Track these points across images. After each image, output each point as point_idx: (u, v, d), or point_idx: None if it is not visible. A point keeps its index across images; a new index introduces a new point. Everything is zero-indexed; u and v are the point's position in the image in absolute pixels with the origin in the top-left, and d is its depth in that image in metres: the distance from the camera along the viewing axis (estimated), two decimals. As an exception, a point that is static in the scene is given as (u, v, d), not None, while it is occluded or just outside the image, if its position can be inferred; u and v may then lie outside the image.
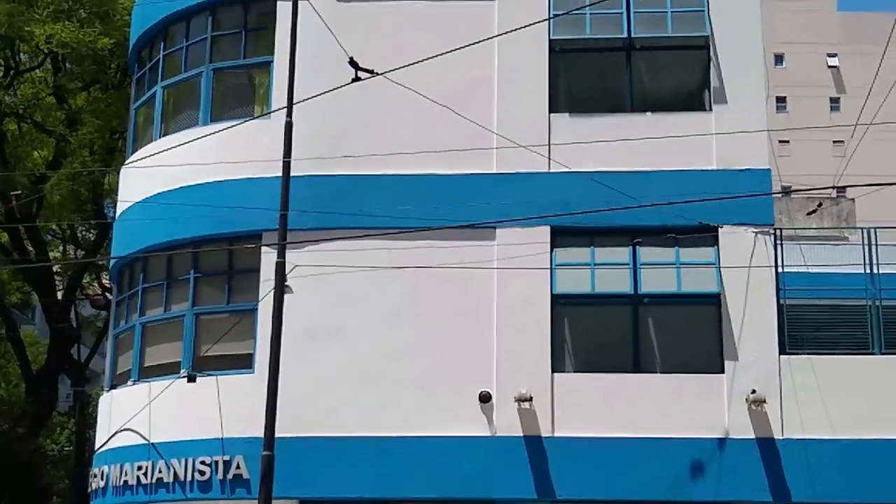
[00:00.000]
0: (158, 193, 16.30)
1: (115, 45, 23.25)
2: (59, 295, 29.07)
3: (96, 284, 32.22)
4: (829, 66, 62.96)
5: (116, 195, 18.78)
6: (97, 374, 39.23)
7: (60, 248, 32.20)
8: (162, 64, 17.49)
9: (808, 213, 23.21)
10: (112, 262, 18.26)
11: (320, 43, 15.38)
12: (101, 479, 16.47)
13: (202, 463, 15.04)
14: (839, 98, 62.02)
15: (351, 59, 13.38)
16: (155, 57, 17.75)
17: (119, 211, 17.80)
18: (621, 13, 15.47)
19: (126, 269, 17.49)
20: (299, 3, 14.25)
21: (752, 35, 15.48)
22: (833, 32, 62.92)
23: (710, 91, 15.42)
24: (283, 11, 15.75)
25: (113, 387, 17.34)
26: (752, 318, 14.54)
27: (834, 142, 55.95)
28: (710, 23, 15.42)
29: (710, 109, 15.30)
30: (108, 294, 28.23)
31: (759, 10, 15.58)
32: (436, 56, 13.26)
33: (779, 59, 62.30)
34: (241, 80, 16.97)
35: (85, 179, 25.21)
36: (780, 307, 14.70)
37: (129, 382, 16.60)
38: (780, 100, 60.92)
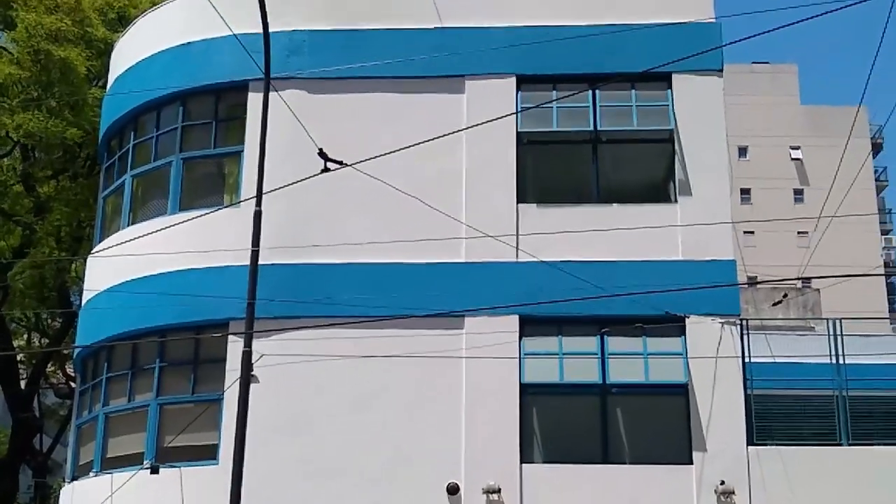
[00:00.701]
0: (125, 282, 16.25)
1: (85, 134, 23.33)
2: (23, 384, 28.64)
3: (60, 373, 31.81)
4: (793, 159, 64.04)
5: (82, 283, 18.67)
6: (59, 464, 38.46)
7: (25, 336, 31.83)
8: (132, 153, 17.58)
9: (774, 304, 23.39)
10: (76, 351, 18.07)
11: (290, 132, 15.57)
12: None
13: (165, 557, 14.69)
14: (803, 190, 62.98)
15: (320, 150, 13.55)
16: (125, 146, 17.84)
17: (85, 299, 17.71)
18: (587, 107, 15.74)
19: (90, 358, 17.32)
20: (270, 93, 14.32)
21: (716, 128, 15.74)
22: (796, 125, 64.16)
23: (675, 183, 15.62)
24: (255, 102, 15.95)
25: (75, 478, 17.06)
26: (720, 409, 14.55)
27: (798, 233, 56.68)
28: (675, 117, 15.70)
29: (676, 201, 15.49)
30: (71, 383, 27.88)
31: (722, 104, 15.85)
32: (405, 148, 13.45)
33: (743, 151, 63.34)
34: (211, 168, 17.06)
35: (51, 267, 25.03)
36: (747, 397, 14.71)
37: (92, 473, 16.35)
38: (745, 191, 61.77)
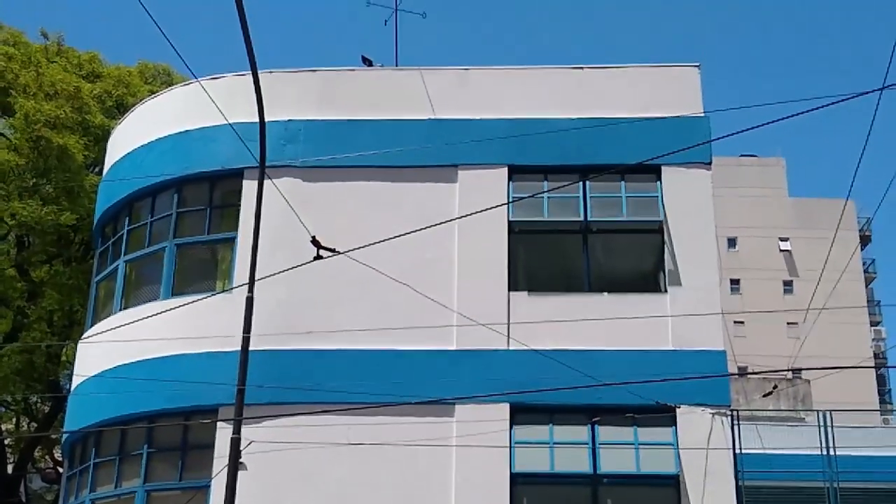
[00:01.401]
0: (115, 367, 16.16)
1: (79, 219, 23.38)
2: (10, 468, 28.27)
3: (48, 458, 31.43)
4: (782, 250, 64.38)
5: (73, 368, 18.54)
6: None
7: (13, 420, 31.53)
8: (126, 238, 17.63)
9: (765, 395, 23.28)
10: (65, 436, 17.88)
11: (284, 220, 15.71)
12: None
13: None
14: (792, 281, 63.18)
15: (313, 238, 13.61)
16: (119, 231, 17.91)
17: (75, 384, 17.53)
18: (578, 197, 15.90)
19: (79, 443, 17.14)
20: (265, 181, 14.42)
21: (705, 220, 15.85)
22: (785, 217, 64.64)
23: (664, 273, 15.68)
24: (249, 189, 16.12)
25: (59, 566, 16.72)
26: (711, 501, 14.37)
27: (788, 323, 56.72)
28: (664, 208, 15.83)
29: (666, 291, 15.52)
30: (59, 468, 27.52)
31: (710, 196, 15.99)
32: (398, 236, 13.56)
33: (732, 242, 63.70)
34: (204, 254, 17.09)
35: (41, 352, 24.88)
36: (738, 489, 14.57)
37: (76, 562, 16.03)
38: (735, 282, 61.95)
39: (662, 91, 16.53)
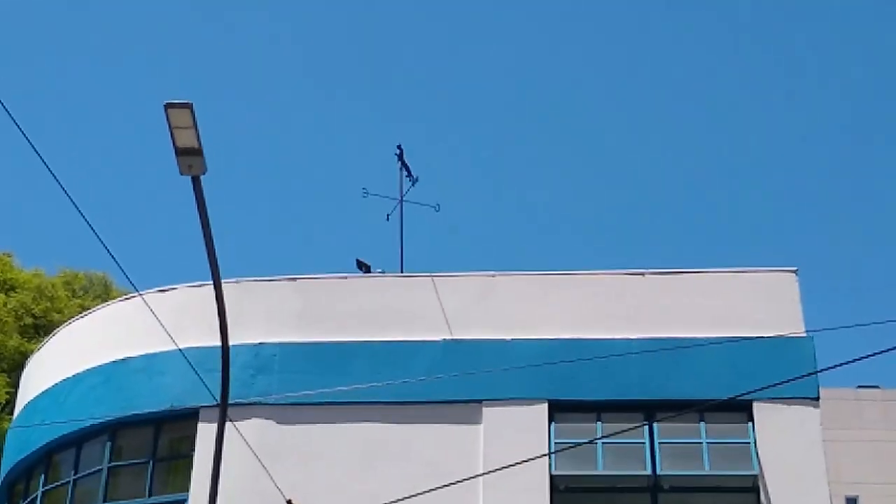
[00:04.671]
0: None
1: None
2: None
3: None
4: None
5: None
6: None
7: None
8: (40, 502, 17.59)
9: None
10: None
11: (251, 475, 15.74)
12: None
13: None
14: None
15: (289, 501, 13.42)
16: (32, 493, 17.88)
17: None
18: (643, 444, 15.90)
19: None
20: (227, 424, 14.23)
21: (815, 472, 15.72)
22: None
23: (763, 544, 15.50)
24: (206, 435, 16.07)
25: None
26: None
27: None
28: (758, 458, 15.69)
29: (764, 568, 15.34)
30: None
31: (820, 441, 15.92)
32: (404, 499, 13.62)
33: (852, 502, 62.62)
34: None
35: None
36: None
37: None
38: (857, 554, 60.49)
39: (750, 303, 16.69)
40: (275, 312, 17.31)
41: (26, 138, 10.33)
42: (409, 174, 20.76)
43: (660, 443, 15.91)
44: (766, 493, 15.64)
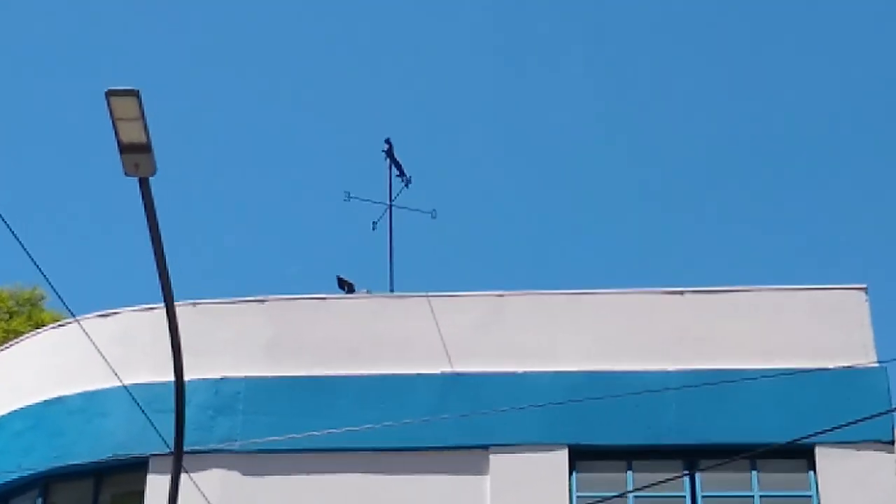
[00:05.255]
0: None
1: None
2: None
3: None
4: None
5: None
6: None
7: None
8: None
9: None
10: None
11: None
12: None
13: None
14: None
15: None
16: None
17: None
18: (683, 497, 15.58)
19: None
20: (182, 476, 13.60)
21: None
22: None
23: None
24: (156, 489, 15.56)
25: None
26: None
27: None
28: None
29: None
30: None
31: None
32: None
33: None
34: None
35: None
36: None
37: None
38: None
39: (811, 328, 16.34)
40: (240, 340, 16.88)
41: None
42: (401, 174, 20.47)
43: (703, 496, 15.71)
44: None
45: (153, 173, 11.56)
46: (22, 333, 20.48)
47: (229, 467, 16.04)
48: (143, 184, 11.63)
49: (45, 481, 16.65)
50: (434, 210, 20.20)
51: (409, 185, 20.44)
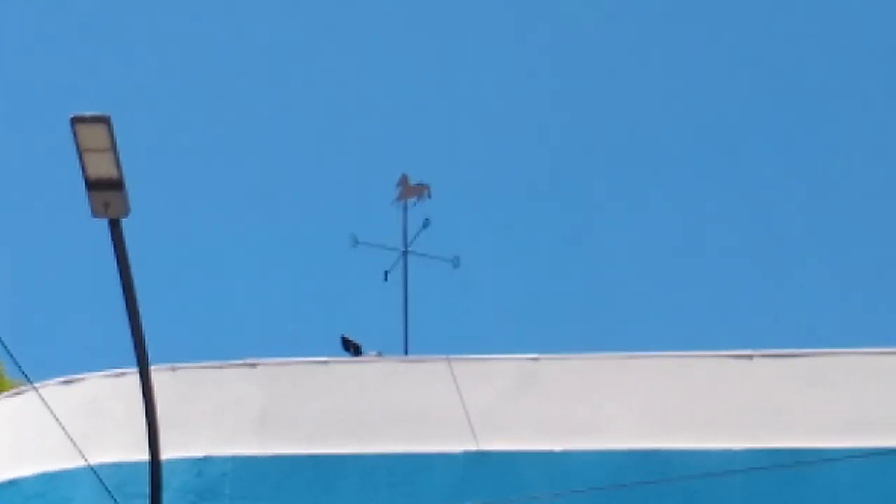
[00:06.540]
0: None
1: None
2: None
3: None
4: None
5: None
6: None
7: None
8: None
9: None
10: None
11: None
12: None
13: None
14: None
15: None
16: None
17: None
18: None
19: None
20: None
21: None
22: None
23: None
24: None
25: None
26: None
27: None
28: None
29: None
30: None
31: None
32: None
33: None
34: None
35: None
36: None
37: None
38: None
39: None
40: (227, 412, 16.84)
41: None
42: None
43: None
44: None
45: (126, 214, 11.55)
46: (-29, 403, 20.43)
47: (213, 565, 16.27)
48: (114, 226, 11.62)
49: None
50: (457, 257, 20.26)
51: (427, 228, 20.47)
